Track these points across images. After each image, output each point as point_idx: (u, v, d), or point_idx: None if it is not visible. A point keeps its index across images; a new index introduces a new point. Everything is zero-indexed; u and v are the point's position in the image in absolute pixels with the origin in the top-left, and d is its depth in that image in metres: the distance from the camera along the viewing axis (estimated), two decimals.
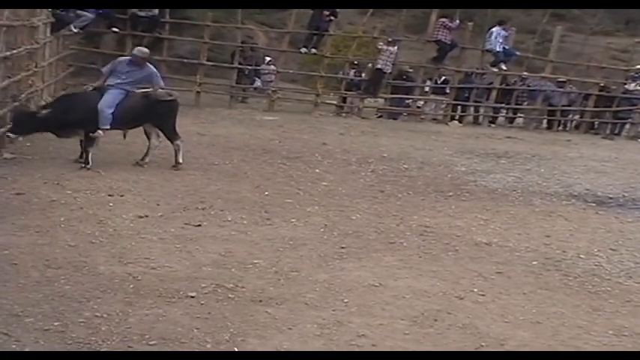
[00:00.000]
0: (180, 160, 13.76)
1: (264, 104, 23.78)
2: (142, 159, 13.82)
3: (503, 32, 24.74)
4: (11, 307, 7.08)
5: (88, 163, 12.81)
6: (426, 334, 7.36)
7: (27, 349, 6.30)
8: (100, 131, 13.04)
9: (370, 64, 24.68)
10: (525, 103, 25.79)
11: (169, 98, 13.94)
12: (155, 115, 13.71)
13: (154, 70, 13.82)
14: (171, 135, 13.94)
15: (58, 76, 19.36)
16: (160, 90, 13.87)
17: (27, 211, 10.04)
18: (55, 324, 6.85)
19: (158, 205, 11.07)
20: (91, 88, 13.53)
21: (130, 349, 6.50)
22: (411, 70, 25.24)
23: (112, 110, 12.96)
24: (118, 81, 13.19)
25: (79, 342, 6.55)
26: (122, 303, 7.47)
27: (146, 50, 13.84)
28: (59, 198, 10.88)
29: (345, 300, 8.06)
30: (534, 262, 9.95)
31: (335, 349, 6.88)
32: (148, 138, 14.07)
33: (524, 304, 8.38)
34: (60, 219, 9.94)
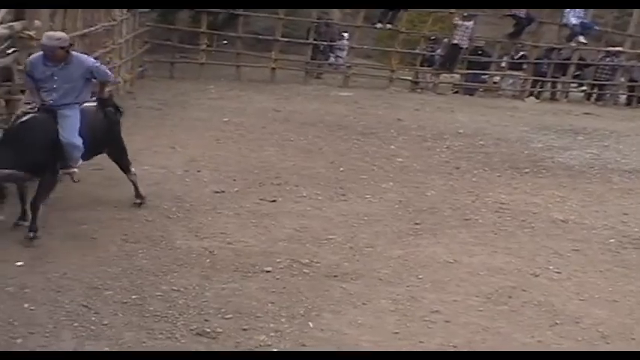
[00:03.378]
0: (143, 193, 9.92)
1: (338, 80, 23.75)
2: (138, 197, 9.85)
3: None
4: (91, 280, 7.24)
5: (37, 230, 8.27)
6: (500, 311, 7.35)
7: (106, 322, 6.44)
8: (75, 169, 8.99)
9: (446, 40, 24.49)
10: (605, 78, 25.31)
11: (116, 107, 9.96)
12: (113, 133, 9.71)
13: (90, 59, 9.31)
14: (127, 161, 9.94)
15: (135, 53, 19.59)
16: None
17: (105, 186, 10.19)
18: (133, 297, 6.99)
19: (234, 180, 11.17)
20: (27, 108, 8.78)
21: (207, 322, 6.61)
22: (482, 45, 24.95)
23: (81, 139, 8.76)
24: (54, 95, 8.62)
25: (157, 315, 6.67)
26: (199, 277, 7.58)
27: (59, 35, 8.81)
28: (137, 173, 11.02)
29: (420, 276, 8.07)
30: (611, 240, 9.83)
31: (409, 325, 6.91)
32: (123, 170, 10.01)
33: (600, 282, 8.31)
34: None
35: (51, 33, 8.88)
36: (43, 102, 8.61)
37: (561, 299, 7.73)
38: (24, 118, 8.52)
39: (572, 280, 8.32)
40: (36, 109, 8.59)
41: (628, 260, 9.16)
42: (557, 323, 7.17)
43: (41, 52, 8.62)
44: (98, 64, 9.24)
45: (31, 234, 8.17)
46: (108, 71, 9.59)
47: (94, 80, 9.06)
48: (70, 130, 8.62)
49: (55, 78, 8.56)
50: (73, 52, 8.87)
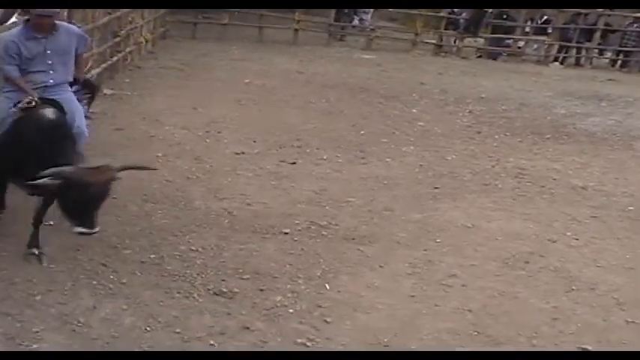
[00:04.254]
0: None
1: (362, 43, 23.68)
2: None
3: None
4: (109, 239, 7.29)
5: (38, 246, 6.94)
6: (517, 277, 7.36)
7: (124, 281, 6.51)
8: None
9: None
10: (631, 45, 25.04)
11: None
12: None
13: (75, 27, 7.61)
14: None
15: (158, 13, 19.56)
16: None
17: (126, 146, 10.24)
18: (152, 256, 7.04)
19: (254, 142, 11.18)
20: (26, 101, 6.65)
21: (224, 282, 6.66)
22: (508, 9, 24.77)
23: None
24: (53, 75, 6.97)
25: (175, 274, 6.74)
26: (217, 237, 7.63)
27: None
28: (157, 134, 11.08)
29: (438, 240, 8.09)
30: (631, 208, 9.78)
31: (425, 288, 6.94)
32: None
33: (617, 249, 8.29)
34: (158, 154, 10.13)
35: None
36: (42, 86, 6.90)
37: (578, 265, 7.73)
38: (50, 115, 6.70)
39: (590, 246, 8.31)
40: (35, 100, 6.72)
41: None
42: (573, 289, 7.18)
43: (19, 28, 6.93)
44: (83, 34, 7.53)
45: (38, 252, 6.87)
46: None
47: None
48: (82, 117, 7.18)
49: (48, 52, 6.90)
50: (61, 23, 7.24)
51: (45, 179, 6.15)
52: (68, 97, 7.06)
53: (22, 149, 6.60)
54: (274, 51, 20.42)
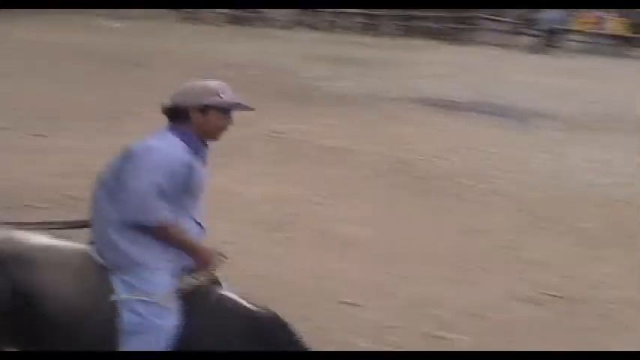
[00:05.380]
0: None
1: (111, 10, 23.17)
2: None
3: None
4: None
5: None
6: (279, 239, 7.43)
7: None
8: None
9: None
10: None
11: None
12: None
13: None
14: None
15: None
16: None
17: None
18: None
19: (2, 116, 10.73)
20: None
21: None
22: None
23: None
24: (203, 230, 4.00)
25: None
26: None
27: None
28: None
29: None
30: (384, 166, 10.11)
31: None
32: None
33: (372, 205, 8.56)
34: None
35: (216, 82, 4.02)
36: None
37: (336, 224, 7.90)
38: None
39: (346, 203, 8.53)
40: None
41: (399, 184, 9.49)
42: (334, 247, 7.33)
43: (176, 138, 3.85)
44: None
45: None
46: None
47: None
48: None
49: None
50: None
51: None
52: None
53: None
54: (14, 19, 19.60)
